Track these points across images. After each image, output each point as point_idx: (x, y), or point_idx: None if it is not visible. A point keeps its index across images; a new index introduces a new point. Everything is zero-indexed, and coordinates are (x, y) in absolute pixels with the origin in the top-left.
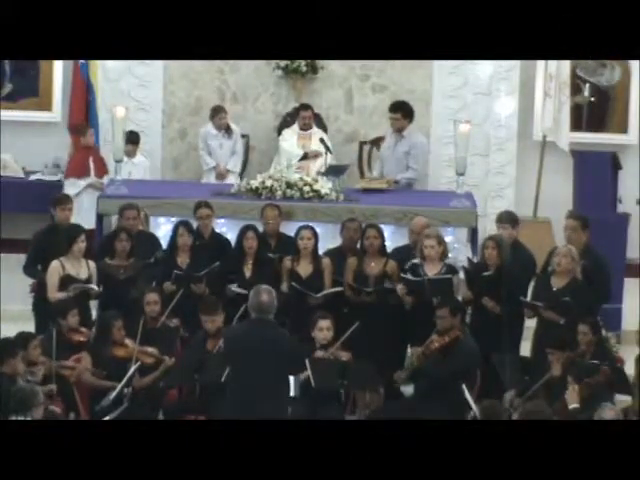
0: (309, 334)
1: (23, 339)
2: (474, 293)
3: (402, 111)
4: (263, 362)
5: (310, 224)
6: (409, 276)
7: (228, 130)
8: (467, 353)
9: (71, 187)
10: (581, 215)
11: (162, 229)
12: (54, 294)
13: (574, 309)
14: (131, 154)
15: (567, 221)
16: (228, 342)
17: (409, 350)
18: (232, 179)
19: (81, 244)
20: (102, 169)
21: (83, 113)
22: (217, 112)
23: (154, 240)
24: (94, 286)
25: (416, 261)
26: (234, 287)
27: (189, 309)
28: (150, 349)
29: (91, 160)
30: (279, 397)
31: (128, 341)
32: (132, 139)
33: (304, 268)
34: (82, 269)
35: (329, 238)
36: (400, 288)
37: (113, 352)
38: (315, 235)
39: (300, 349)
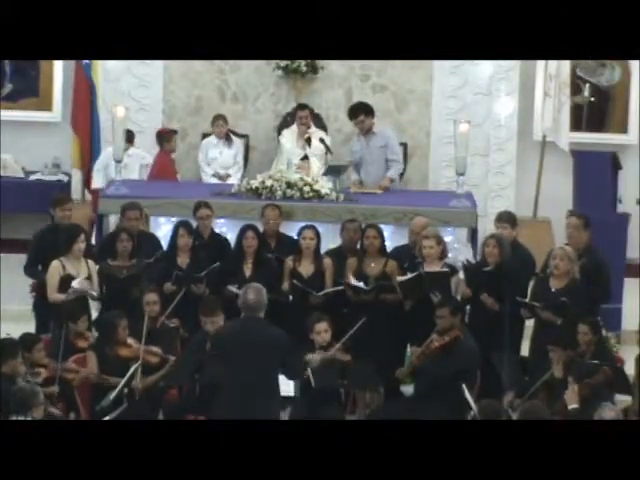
0: (309, 335)
1: (28, 341)
2: (473, 290)
3: (362, 112)
4: (250, 360)
5: (312, 224)
6: (408, 274)
7: (228, 138)
8: (467, 353)
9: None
10: (583, 214)
11: (162, 229)
12: (54, 294)
13: (571, 309)
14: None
15: (569, 219)
16: (218, 340)
17: (409, 349)
18: (232, 179)
19: (81, 244)
20: (175, 175)
21: (87, 113)
22: (216, 119)
23: (155, 240)
24: (93, 292)
25: (418, 261)
26: (232, 288)
27: (189, 310)
28: (154, 348)
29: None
30: (269, 395)
31: (131, 341)
32: (127, 137)
33: (306, 268)
34: (82, 269)
35: (329, 238)
36: (399, 292)
37: (117, 352)
38: (317, 235)
39: (289, 347)
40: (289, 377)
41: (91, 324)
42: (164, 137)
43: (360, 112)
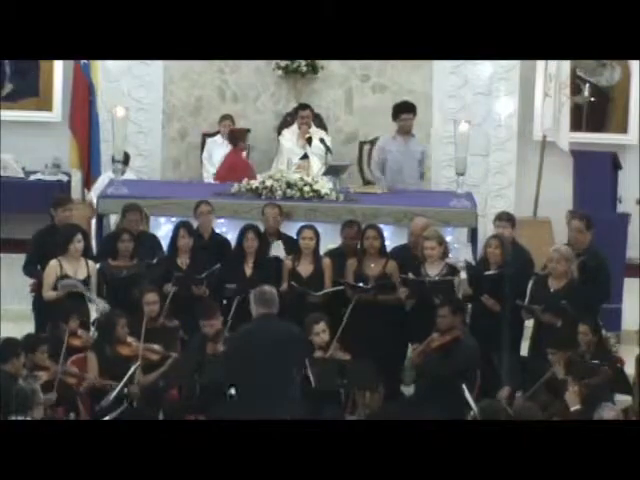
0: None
1: (32, 342)
2: (475, 291)
3: (414, 112)
4: (274, 359)
5: (312, 224)
6: (410, 275)
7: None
8: (467, 352)
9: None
10: (585, 215)
11: (162, 229)
12: (48, 292)
13: (571, 313)
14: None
15: (572, 222)
16: (235, 343)
17: (410, 349)
18: None
19: (77, 244)
20: (252, 172)
21: (85, 113)
22: (223, 119)
23: (155, 241)
24: (79, 284)
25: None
26: (232, 286)
27: (189, 311)
28: (155, 346)
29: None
30: (289, 391)
31: (131, 339)
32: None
33: (305, 268)
34: (81, 269)
35: (329, 238)
36: (402, 291)
37: (117, 350)
38: (317, 235)
39: (306, 340)
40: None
41: (90, 323)
42: (238, 135)
43: (412, 110)
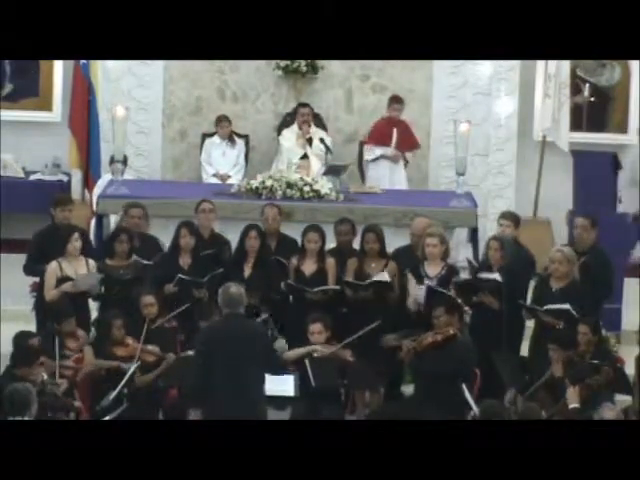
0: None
1: (23, 338)
2: (468, 295)
3: None
4: (238, 357)
5: (318, 224)
6: (410, 276)
7: (231, 139)
8: (463, 351)
9: (367, 153)
10: (590, 214)
11: (162, 229)
12: (51, 292)
13: (573, 316)
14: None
15: (577, 219)
16: (204, 340)
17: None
18: (232, 180)
19: (75, 243)
20: (407, 142)
21: (85, 113)
22: (220, 121)
23: (155, 242)
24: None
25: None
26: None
27: (187, 311)
28: (151, 347)
29: (395, 131)
30: (257, 393)
31: (129, 340)
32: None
33: (309, 267)
34: (81, 269)
35: (329, 238)
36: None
37: (113, 351)
38: (322, 237)
39: (267, 339)
40: (269, 370)
41: (90, 323)
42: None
43: None
